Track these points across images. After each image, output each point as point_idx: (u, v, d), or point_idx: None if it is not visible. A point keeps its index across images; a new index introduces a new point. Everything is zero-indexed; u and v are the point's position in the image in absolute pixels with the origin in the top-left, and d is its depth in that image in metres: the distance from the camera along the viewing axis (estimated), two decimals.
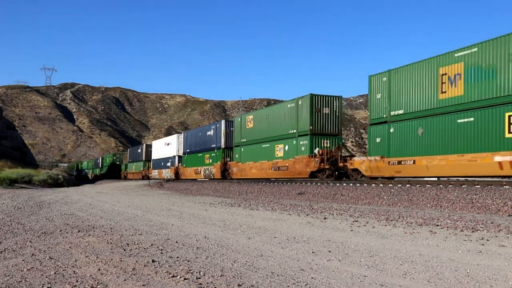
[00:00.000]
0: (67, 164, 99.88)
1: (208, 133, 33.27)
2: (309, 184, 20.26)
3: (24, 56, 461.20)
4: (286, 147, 23.07)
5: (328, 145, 21.10)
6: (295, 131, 22.35)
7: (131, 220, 10.21)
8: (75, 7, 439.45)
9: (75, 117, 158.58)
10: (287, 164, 22.73)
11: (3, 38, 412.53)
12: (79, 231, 8.18)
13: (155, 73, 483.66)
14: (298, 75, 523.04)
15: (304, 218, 10.23)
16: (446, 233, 7.55)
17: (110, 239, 7.13)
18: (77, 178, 68.31)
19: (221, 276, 4.60)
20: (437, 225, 8.53)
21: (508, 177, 13.60)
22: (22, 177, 32.69)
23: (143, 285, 4.29)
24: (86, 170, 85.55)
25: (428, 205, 12.89)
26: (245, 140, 27.57)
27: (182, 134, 40.47)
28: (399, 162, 16.36)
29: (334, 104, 21.98)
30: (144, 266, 5.09)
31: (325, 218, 10.11)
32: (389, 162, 16.83)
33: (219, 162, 30.90)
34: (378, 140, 17.58)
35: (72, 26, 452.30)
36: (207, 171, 32.79)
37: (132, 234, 7.68)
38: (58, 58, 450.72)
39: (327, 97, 21.92)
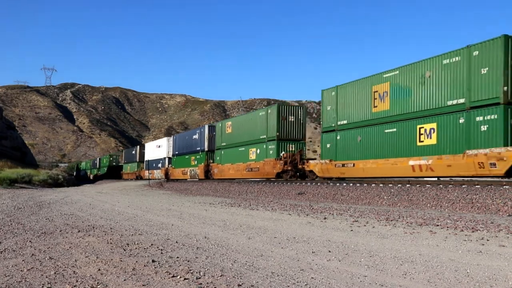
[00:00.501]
0: (67, 164, 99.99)
1: (194, 136, 36.43)
2: (309, 184, 20.33)
3: (24, 56, 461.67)
4: (258, 151, 25.92)
5: (293, 149, 23.83)
6: (265, 136, 25.24)
7: (131, 220, 10.22)
8: (75, 7, 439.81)
9: (75, 117, 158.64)
10: (258, 166, 25.61)
11: (3, 38, 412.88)
12: (79, 231, 8.18)
13: (155, 73, 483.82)
14: (298, 75, 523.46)
15: (304, 218, 10.24)
16: (446, 233, 7.55)
17: (110, 239, 7.13)
18: (77, 178, 68.36)
19: (221, 276, 4.60)
20: (437, 225, 8.53)
21: (419, 177, 16.27)
22: (22, 177, 32.68)
23: (143, 285, 4.29)
24: (84, 171, 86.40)
25: (428, 205, 12.89)
26: (224, 144, 30.39)
27: (172, 137, 43.60)
28: (343, 165, 19.20)
29: (299, 112, 25.03)
30: (144, 266, 5.09)
31: (325, 218, 10.11)
32: (335, 164, 19.66)
33: (203, 163, 33.71)
34: (328, 145, 20.38)
35: (72, 26, 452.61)
36: (192, 172, 35.76)
37: (132, 234, 7.68)
38: (58, 58, 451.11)
39: (292, 107, 25.36)
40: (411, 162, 15.70)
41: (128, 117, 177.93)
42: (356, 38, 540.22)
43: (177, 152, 40.36)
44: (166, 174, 41.60)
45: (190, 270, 4.85)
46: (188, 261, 5.34)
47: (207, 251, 6.02)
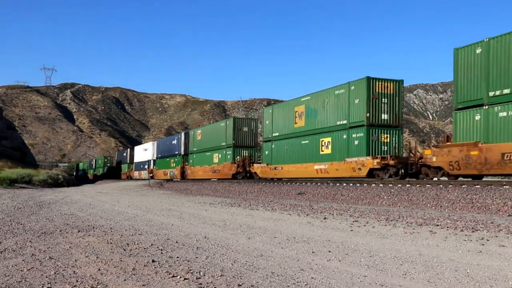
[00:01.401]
0: (67, 164, 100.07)
1: (173, 142, 42.14)
2: (309, 184, 20.41)
3: (24, 56, 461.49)
4: (220, 156, 31.03)
5: (246, 154, 29.13)
6: (224, 143, 30.42)
7: (131, 220, 10.21)
8: (75, 7, 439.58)
9: (75, 117, 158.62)
10: (219, 168, 30.81)
11: (3, 38, 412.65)
12: (79, 231, 8.18)
13: (155, 73, 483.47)
14: (299, 75, 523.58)
15: (304, 218, 10.24)
16: (446, 233, 7.55)
17: (110, 239, 7.13)
18: (77, 178, 68.51)
19: (221, 276, 4.60)
20: (437, 225, 8.53)
21: (320, 178, 20.87)
22: (22, 177, 32.67)
23: (143, 285, 4.29)
24: (83, 171, 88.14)
25: (428, 205, 12.89)
26: (196, 149, 35.88)
27: (156, 142, 49.38)
28: (275, 168, 24.43)
29: (252, 124, 30.58)
30: (144, 266, 5.09)
31: (325, 218, 10.11)
32: (270, 167, 24.95)
33: (179, 165, 39.14)
34: (266, 152, 25.87)
35: (72, 26, 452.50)
36: (171, 173, 41.31)
37: (132, 234, 7.68)
38: (58, 58, 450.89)
39: (247, 119, 31.32)
40: (316, 167, 20.78)
41: (128, 117, 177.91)
42: (355, 38, 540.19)
43: (160, 155, 45.78)
44: (151, 174, 46.37)
45: (190, 270, 4.85)
46: (188, 261, 5.34)
47: (207, 251, 6.02)
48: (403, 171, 16.99)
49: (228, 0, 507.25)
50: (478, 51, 14.37)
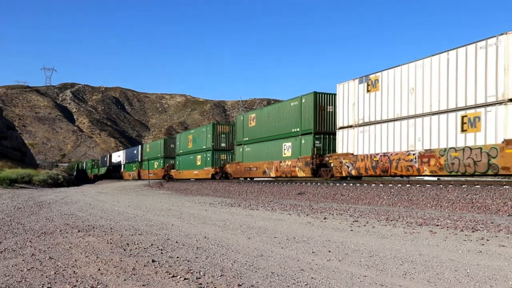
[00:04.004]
0: (67, 164, 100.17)
1: (134, 152, 56.19)
2: (309, 184, 20.42)
3: (24, 56, 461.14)
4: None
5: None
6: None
7: (131, 220, 10.21)
8: (75, 7, 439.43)
9: (75, 117, 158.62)
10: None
11: (3, 38, 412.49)
12: (79, 231, 8.18)
13: (155, 73, 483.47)
14: (299, 75, 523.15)
15: (304, 218, 10.24)
16: (446, 233, 7.55)
17: (110, 239, 7.13)
18: (77, 178, 68.87)
19: (221, 276, 4.60)
20: (437, 225, 8.53)
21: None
22: (22, 177, 32.67)
23: (143, 285, 4.29)
24: (80, 170, 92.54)
25: (428, 205, 12.89)
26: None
27: (124, 151, 64.40)
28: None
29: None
30: (144, 266, 5.09)
31: (325, 218, 10.11)
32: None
33: (137, 169, 52.69)
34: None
35: (72, 26, 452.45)
36: (132, 174, 54.98)
37: (132, 234, 7.68)
38: (58, 58, 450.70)
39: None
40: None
41: (128, 117, 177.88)
42: (355, 38, 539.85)
43: (126, 161, 59.41)
44: (122, 176, 59.97)
45: (190, 270, 4.85)
46: (188, 261, 5.34)
47: (207, 251, 6.02)
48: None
49: (228, 1, 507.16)
50: (253, 115, 28.10)
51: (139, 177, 50.32)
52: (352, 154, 19.03)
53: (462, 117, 14.32)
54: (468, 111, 14.19)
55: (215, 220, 9.95)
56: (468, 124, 14.13)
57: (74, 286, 4.28)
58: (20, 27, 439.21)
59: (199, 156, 35.71)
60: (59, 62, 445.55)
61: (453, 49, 14.72)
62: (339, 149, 19.96)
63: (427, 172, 15.49)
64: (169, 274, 4.68)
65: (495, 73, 13.42)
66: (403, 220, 9.58)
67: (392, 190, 15.23)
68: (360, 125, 18.72)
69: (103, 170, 73.43)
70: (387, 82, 17.36)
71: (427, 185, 15.04)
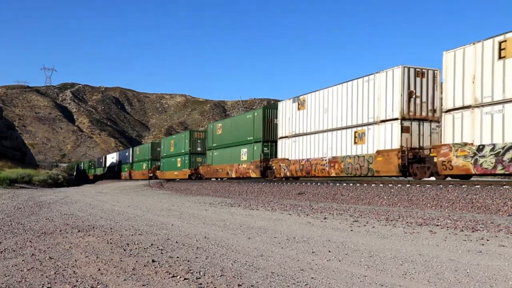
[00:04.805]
0: (67, 164, 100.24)
1: (126, 154, 61.92)
2: (309, 184, 20.44)
3: (24, 56, 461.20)
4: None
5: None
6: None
7: (131, 220, 10.21)
8: (75, 7, 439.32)
9: (75, 117, 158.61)
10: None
11: (3, 38, 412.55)
12: (79, 231, 8.18)
13: (155, 73, 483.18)
14: (299, 75, 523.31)
15: (304, 218, 10.24)
16: (446, 233, 7.55)
17: (110, 239, 7.13)
18: (77, 178, 69.19)
19: (221, 276, 4.60)
20: (437, 225, 8.53)
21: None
22: (22, 177, 32.67)
23: (143, 285, 4.29)
24: (79, 170, 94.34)
25: (428, 205, 12.89)
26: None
27: (117, 153, 71.37)
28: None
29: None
30: (144, 266, 5.09)
31: (325, 218, 10.11)
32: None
33: (128, 170, 58.18)
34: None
35: (72, 26, 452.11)
36: (125, 174, 59.89)
37: (132, 234, 7.68)
38: (58, 58, 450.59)
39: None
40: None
41: (128, 117, 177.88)
42: (356, 38, 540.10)
43: (119, 162, 65.23)
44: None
45: (190, 270, 4.85)
46: (188, 261, 5.34)
47: (207, 251, 6.02)
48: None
49: (228, 0, 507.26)
50: (220, 124, 33.18)
51: (130, 177, 55.33)
52: (288, 159, 23.64)
53: (355, 132, 18.76)
54: (358, 128, 18.55)
55: (215, 220, 9.95)
56: (358, 138, 18.55)
57: (74, 286, 4.29)
58: (20, 27, 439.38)
59: (179, 159, 40.25)
60: (59, 62, 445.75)
61: (350, 80, 19.15)
62: (279, 155, 24.60)
63: (333, 174, 19.99)
64: (169, 274, 4.68)
65: (373, 100, 17.78)
66: (403, 220, 9.58)
67: (392, 190, 15.23)
68: (293, 136, 23.29)
69: (99, 171, 78.09)
70: (311, 103, 21.80)
71: (427, 185, 15.05)
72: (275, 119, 25.75)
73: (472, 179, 15.87)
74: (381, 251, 5.96)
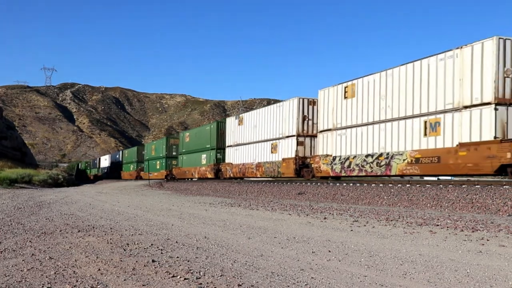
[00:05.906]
0: (67, 164, 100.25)
1: (117, 156, 68.43)
2: (309, 184, 20.44)
3: (24, 56, 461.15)
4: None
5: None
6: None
7: (131, 220, 10.21)
8: (75, 7, 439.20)
9: (75, 117, 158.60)
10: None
11: (3, 38, 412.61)
12: (79, 231, 8.18)
13: (155, 73, 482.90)
14: (298, 75, 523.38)
15: (304, 218, 10.24)
16: (446, 233, 7.55)
17: (110, 239, 7.13)
18: (77, 178, 69.10)
19: (221, 276, 4.60)
20: (437, 225, 8.53)
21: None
22: (22, 177, 32.65)
23: (143, 285, 4.29)
24: (79, 170, 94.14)
25: (428, 205, 12.89)
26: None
27: (109, 155, 77.90)
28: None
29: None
30: (144, 266, 5.09)
31: (325, 218, 10.11)
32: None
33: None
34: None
35: (72, 26, 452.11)
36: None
37: (132, 234, 7.68)
38: (58, 58, 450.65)
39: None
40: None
41: (128, 117, 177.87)
42: (354, 37, 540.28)
43: (111, 164, 70.98)
44: (109, 176, 69.37)
45: (190, 270, 4.85)
46: (188, 261, 5.34)
47: (207, 251, 6.02)
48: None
49: (228, 0, 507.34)
50: (188, 134, 38.99)
51: (120, 178, 61.58)
52: (231, 163, 29.75)
53: (272, 144, 24.78)
54: (275, 141, 24.42)
55: (215, 220, 9.95)
56: (274, 148, 24.63)
57: (74, 286, 4.29)
58: (20, 27, 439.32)
59: (158, 162, 46.39)
60: (59, 62, 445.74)
61: (268, 105, 26.30)
62: (227, 160, 30.70)
63: (258, 175, 26.12)
64: (169, 274, 4.68)
65: (281, 121, 24.38)
66: (403, 220, 9.58)
67: (392, 190, 15.23)
68: (235, 145, 29.38)
69: (94, 171, 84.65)
70: (248, 120, 27.86)
71: (427, 185, 15.07)
72: (226, 131, 31.40)
73: (472, 179, 16.06)
74: (381, 251, 5.96)
